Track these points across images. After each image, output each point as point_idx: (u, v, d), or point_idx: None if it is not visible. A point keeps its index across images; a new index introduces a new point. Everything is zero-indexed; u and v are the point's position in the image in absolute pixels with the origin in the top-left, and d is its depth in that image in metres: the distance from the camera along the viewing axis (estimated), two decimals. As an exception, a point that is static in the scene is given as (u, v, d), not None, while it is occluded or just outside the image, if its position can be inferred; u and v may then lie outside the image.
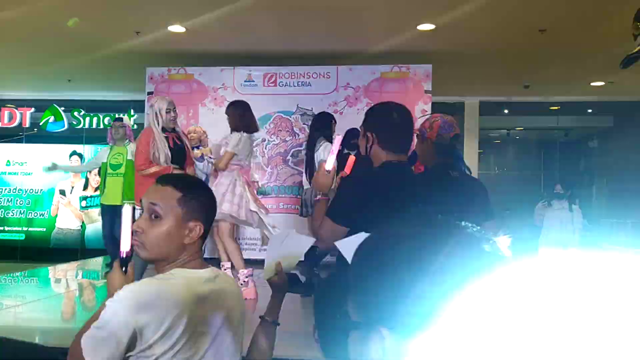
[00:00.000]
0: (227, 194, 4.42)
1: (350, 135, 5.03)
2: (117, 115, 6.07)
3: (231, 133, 4.53)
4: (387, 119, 2.11)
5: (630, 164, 9.57)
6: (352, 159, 2.15)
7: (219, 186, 4.45)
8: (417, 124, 2.67)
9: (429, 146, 2.56)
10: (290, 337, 3.16)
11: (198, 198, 1.48)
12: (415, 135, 2.62)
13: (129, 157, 5.48)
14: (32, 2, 5.25)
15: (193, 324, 1.37)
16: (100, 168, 5.83)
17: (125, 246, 1.54)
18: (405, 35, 5.99)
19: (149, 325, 1.31)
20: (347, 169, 2.17)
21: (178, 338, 1.34)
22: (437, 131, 2.53)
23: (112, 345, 1.29)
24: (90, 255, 7.61)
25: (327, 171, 2.07)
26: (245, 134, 4.51)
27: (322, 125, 5.30)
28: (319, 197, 2.09)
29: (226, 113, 4.64)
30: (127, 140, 5.77)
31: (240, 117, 4.53)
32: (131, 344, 1.31)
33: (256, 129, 4.74)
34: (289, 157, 6.85)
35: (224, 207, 4.36)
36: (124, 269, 1.51)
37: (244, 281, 4.40)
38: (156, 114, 4.30)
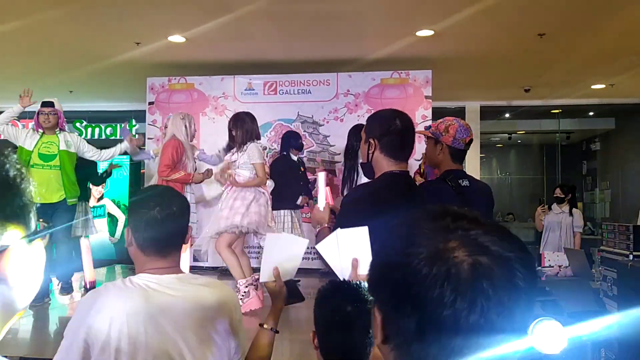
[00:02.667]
0: (253, 204, 4.47)
1: (354, 130, 5.12)
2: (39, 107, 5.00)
3: (246, 144, 4.54)
4: (391, 126, 2.07)
5: (633, 166, 9.55)
6: (327, 189, 2.17)
7: (244, 200, 4.48)
8: (420, 128, 2.66)
9: (443, 150, 2.51)
10: (288, 345, 3.16)
11: (132, 207, 1.57)
12: (426, 137, 2.61)
13: (63, 147, 4.87)
14: (33, 14, 5.28)
15: (139, 330, 1.39)
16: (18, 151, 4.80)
17: (89, 276, 1.63)
18: (405, 41, 6.00)
19: (91, 333, 1.37)
20: (330, 201, 2.18)
21: (118, 348, 1.37)
22: (453, 135, 2.48)
23: (73, 352, 1.38)
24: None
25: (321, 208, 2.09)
26: (260, 143, 4.64)
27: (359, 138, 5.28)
28: (318, 228, 2.07)
29: (236, 126, 4.60)
30: (59, 129, 4.99)
31: (254, 127, 4.64)
32: (87, 354, 1.38)
33: (259, 138, 4.83)
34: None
35: (252, 217, 4.42)
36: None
37: (245, 292, 4.34)
38: (186, 126, 4.78)
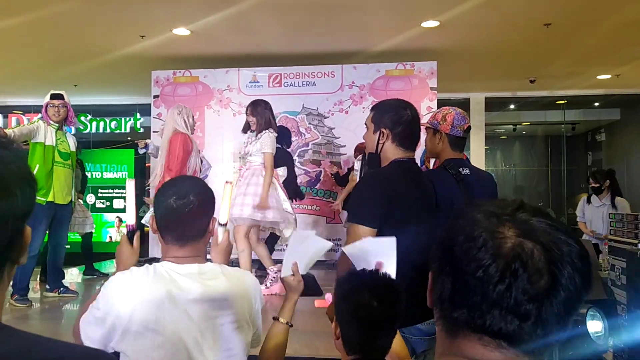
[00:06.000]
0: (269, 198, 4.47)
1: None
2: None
3: (260, 133, 4.56)
4: (402, 116, 2.10)
5: (638, 156, 9.52)
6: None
7: (256, 193, 4.49)
8: (423, 121, 2.66)
9: (442, 139, 2.52)
10: (304, 336, 3.18)
11: (155, 196, 1.57)
12: (425, 128, 2.61)
13: (73, 149, 4.68)
14: (37, 9, 5.28)
15: (158, 317, 1.40)
16: (31, 148, 4.41)
17: (130, 219, 1.68)
18: (410, 32, 5.98)
19: (117, 320, 1.39)
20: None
21: (137, 333, 1.39)
22: (451, 123, 2.50)
23: (100, 325, 1.41)
24: (103, 257, 7.59)
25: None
26: (275, 134, 4.62)
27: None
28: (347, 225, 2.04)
29: (254, 113, 4.62)
30: (66, 125, 4.73)
31: (271, 116, 4.64)
32: (108, 338, 1.40)
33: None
34: (295, 157, 6.84)
35: (245, 210, 4.44)
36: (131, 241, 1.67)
37: (274, 277, 4.58)
38: (185, 120, 4.60)
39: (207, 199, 1.55)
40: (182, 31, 6.05)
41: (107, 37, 6.25)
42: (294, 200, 5.59)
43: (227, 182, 1.78)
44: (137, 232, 1.68)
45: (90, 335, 1.43)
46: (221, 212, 1.67)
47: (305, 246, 1.73)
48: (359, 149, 5.58)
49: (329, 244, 1.77)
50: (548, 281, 0.71)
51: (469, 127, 2.58)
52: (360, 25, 5.92)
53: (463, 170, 2.47)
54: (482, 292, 0.72)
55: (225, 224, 1.72)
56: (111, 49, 6.52)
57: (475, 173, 2.54)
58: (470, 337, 0.75)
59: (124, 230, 1.68)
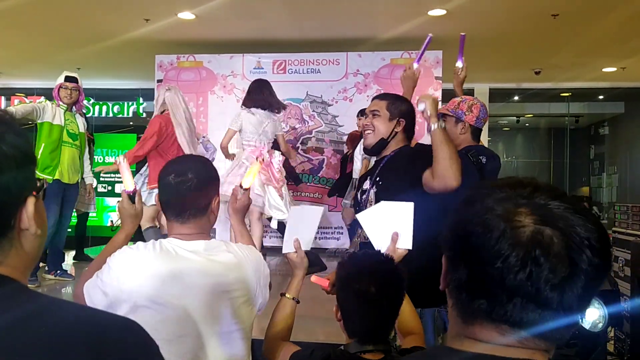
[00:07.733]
0: (230, 176, 4.43)
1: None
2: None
3: (278, 114, 4.68)
4: (412, 109, 2.28)
5: (642, 150, 9.50)
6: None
7: (239, 167, 4.50)
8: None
9: (466, 129, 2.61)
10: (303, 322, 3.19)
11: (159, 173, 1.58)
12: (442, 115, 2.65)
13: (82, 130, 4.73)
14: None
15: (164, 292, 1.41)
16: (38, 128, 4.46)
17: (129, 186, 1.70)
18: (416, 20, 5.94)
19: (120, 294, 1.41)
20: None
21: (143, 307, 1.40)
22: (477, 115, 2.58)
23: (104, 296, 1.44)
24: (96, 242, 7.60)
25: None
26: (245, 110, 4.54)
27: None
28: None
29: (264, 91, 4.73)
30: (75, 111, 4.77)
31: (247, 93, 4.64)
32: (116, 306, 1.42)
33: (263, 107, 4.62)
34: (298, 145, 6.84)
35: (223, 188, 4.28)
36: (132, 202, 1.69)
37: None
38: (162, 100, 4.71)
39: (206, 177, 1.55)
40: (187, 15, 6.01)
41: (111, 21, 6.21)
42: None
43: (259, 158, 1.83)
44: (139, 191, 1.71)
45: (95, 300, 1.45)
46: (246, 179, 1.71)
47: (301, 219, 1.77)
48: (354, 137, 5.53)
49: (321, 209, 1.82)
50: (568, 268, 0.69)
51: (486, 120, 2.69)
52: (366, 13, 5.88)
53: (482, 159, 2.53)
54: (502, 282, 0.70)
55: (247, 189, 1.76)
56: (115, 32, 6.49)
57: (490, 163, 2.62)
58: (487, 326, 0.74)
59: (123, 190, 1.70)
